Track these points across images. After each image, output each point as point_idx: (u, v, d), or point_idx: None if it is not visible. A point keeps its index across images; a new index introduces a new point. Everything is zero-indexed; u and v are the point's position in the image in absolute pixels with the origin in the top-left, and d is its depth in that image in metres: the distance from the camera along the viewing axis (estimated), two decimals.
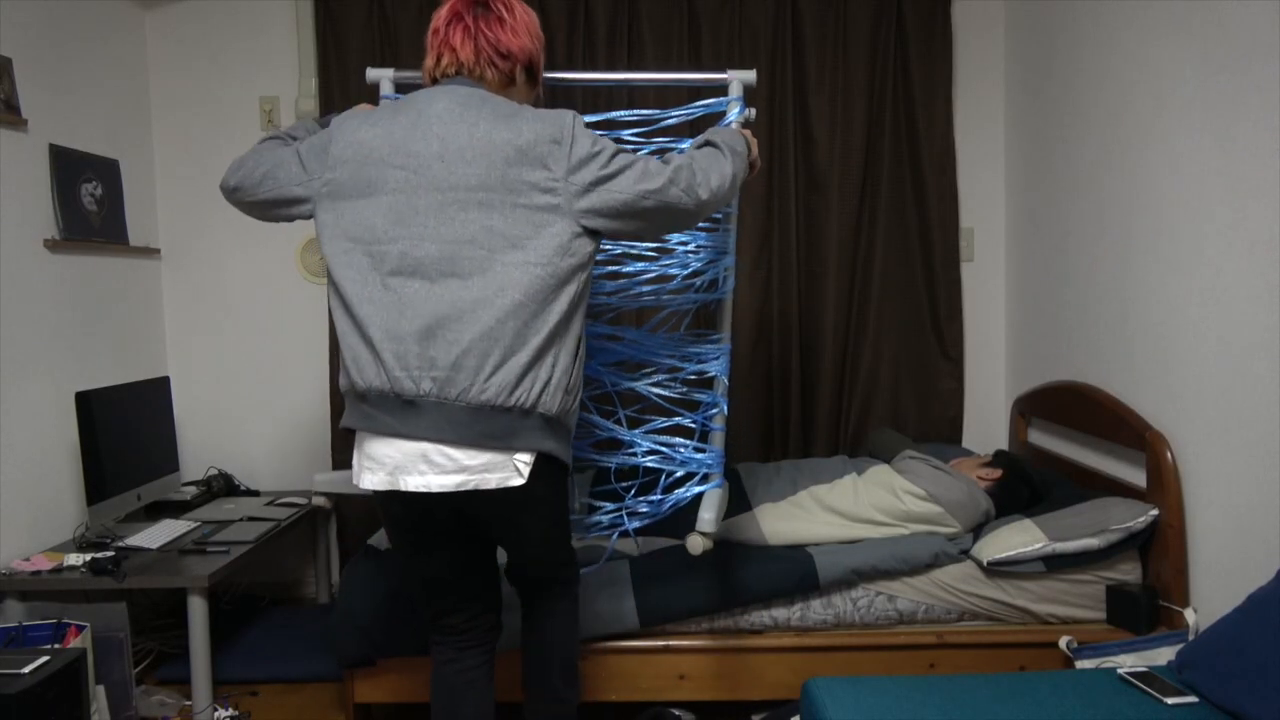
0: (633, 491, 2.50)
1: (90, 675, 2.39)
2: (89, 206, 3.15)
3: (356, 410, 1.73)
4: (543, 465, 1.74)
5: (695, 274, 2.31)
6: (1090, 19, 2.80)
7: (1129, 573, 2.45)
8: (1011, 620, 2.46)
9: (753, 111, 2.23)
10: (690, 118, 2.31)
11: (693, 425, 2.28)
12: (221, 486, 3.45)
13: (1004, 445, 3.52)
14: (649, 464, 2.22)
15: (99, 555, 2.64)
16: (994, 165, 3.53)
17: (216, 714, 2.65)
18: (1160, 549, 2.39)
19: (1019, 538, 2.42)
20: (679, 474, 2.31)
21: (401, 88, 2.23)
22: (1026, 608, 2.44)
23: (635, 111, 2.36)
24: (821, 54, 3.41)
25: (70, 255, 3.07)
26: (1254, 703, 1.65)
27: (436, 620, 1.96)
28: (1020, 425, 3.34)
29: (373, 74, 2.25)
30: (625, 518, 2.24)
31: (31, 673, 2.03)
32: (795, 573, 2.44)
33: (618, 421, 2.33)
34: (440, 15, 1.84)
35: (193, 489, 3.37)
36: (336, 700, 2.81)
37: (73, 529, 3.01)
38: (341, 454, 3.51)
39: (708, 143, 1.90)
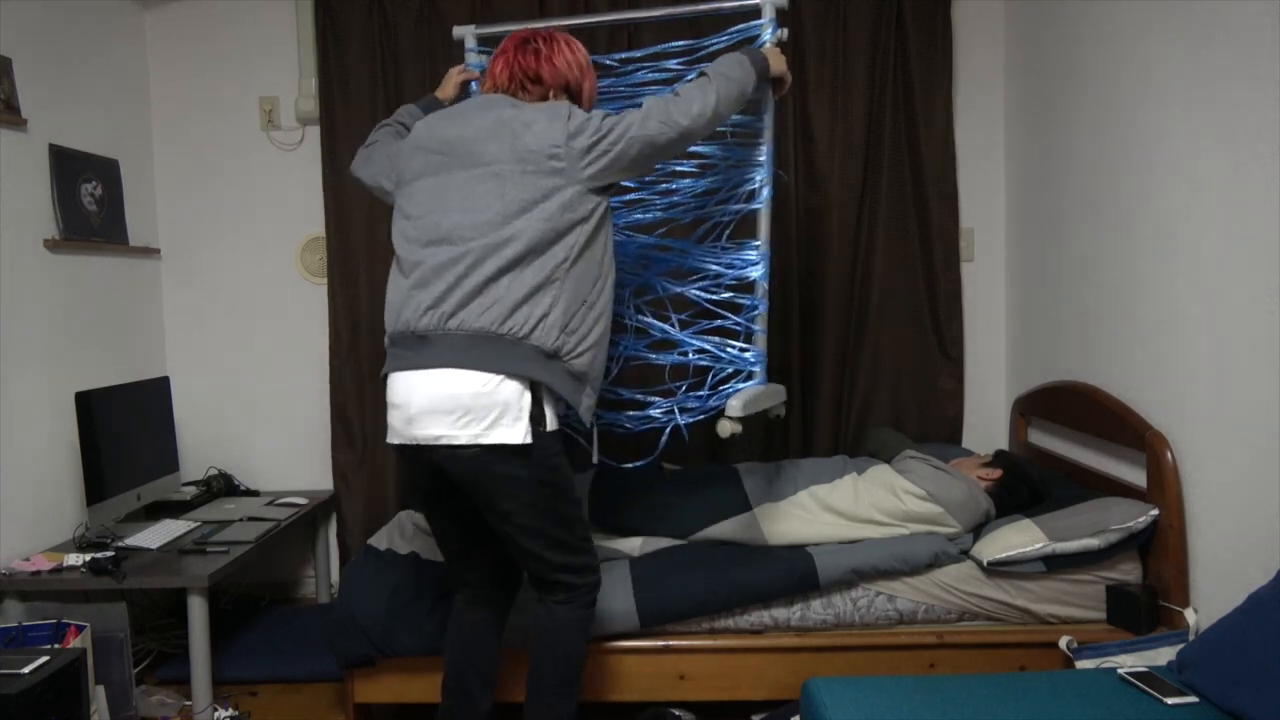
0: (684, 389, 2.63)
1: (90, 675, 2.39)
2: (89, 206, 3.15)
3: (389, 354, 2.01)
4: (529, 428, 1.89)
5: (735, 186, 2.49)
6: (1090, 19, 2.80)
7: (1129, 573, 2.45)
8: (1011, 620, 2.46)
9: (785, 32, 2.36)
10: (729, 43, 2.50)
11: (736, 327, 2.48)
12: (221, 486, 3.45)
13: (1004, 445, 3.52)
14: (698, 362, 2.49)
15: (99, 555, 2.64)
16: (994, 165, 3.53)
17: (216, 714, 2.65)
18: (1160, 549, 2.39)
19: (1019, 538, 2.42)
20: (725, 371, 2.47)
21: (486, 42, 2.61)
22: (1026, 608, 2.44)
23: (679, 42, 2.62)
24: (821, 54, 3.41)
25: (70, 255, 3.07)
26: (1254, 703, 1.65)
27: (453, 574, 2.19)
28: (1020, 425, 3.34)
29: (458, 31, 2.63)
30: (677, 413, 2.43)
31: (31, 673, 2.03)
32: (795, 573, 2.44)
33: (671, 324, 2.58)
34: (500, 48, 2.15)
35: (193, 489, 3.37)
36: (336, 700, 2.81)
37: (73, 529, 3.01)
38: (341, 454, 3.51)
39: (703, 72, 2.09)
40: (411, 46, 3.44)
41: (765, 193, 2.41)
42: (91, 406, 2.81)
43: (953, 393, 3.50)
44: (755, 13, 2.40)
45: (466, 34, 2.63)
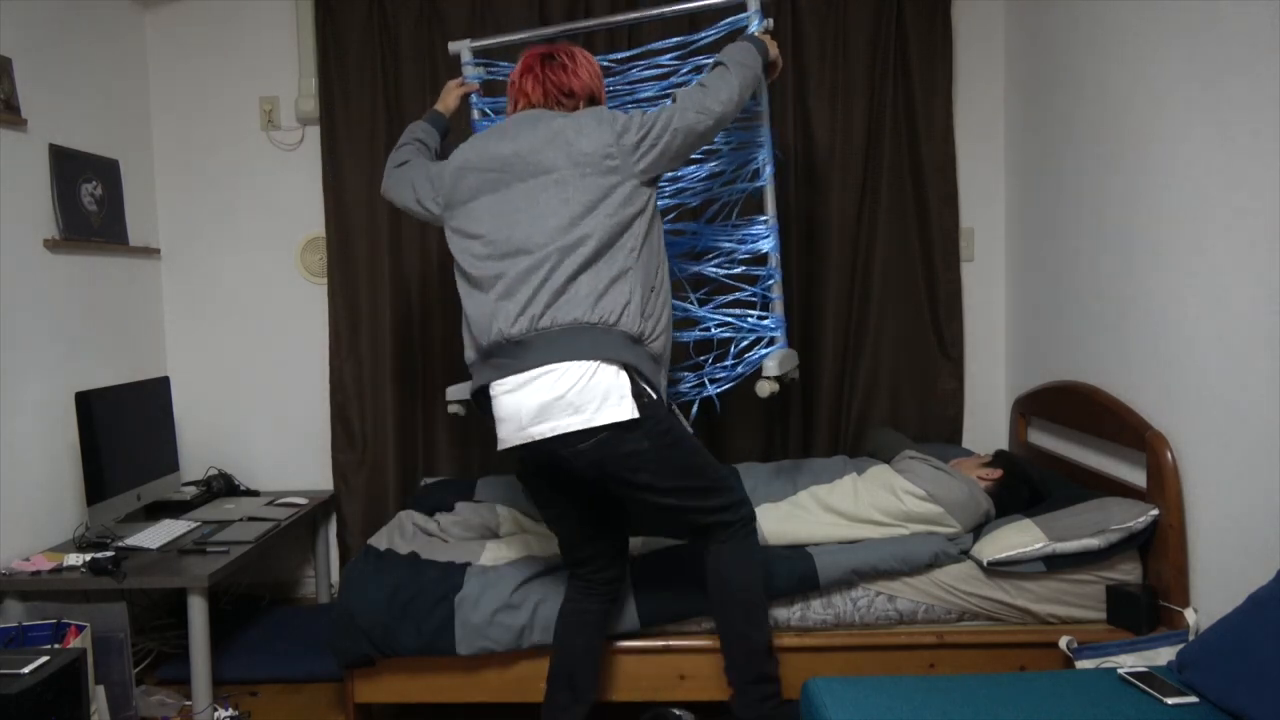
0: (710, 361, 2.75)
1: (90, 675, 2.39)
2: (89, 206, 3.15)
3: (483, 366, 2.11)
4: (635, 404, 2.01)
5: (739, 167, 2.67)
6: (1090, 19, 2.80)
7: (1129, 573, 2.45)
8: (1011, 620, 2.46)
9: (770, 21, 2.53)
10: (717, 36, 2.68)
11: (752, 299, 2.70)
12: (221, 486, 3.45)
13: (1004, 445, 3.52)
14: (720, 335, 2.68)
15: (99, 555, 2.64)
16: (994, 165, 3.53)
17: (216, 714, 2.65)
18: (1160, 549, 2.39)
19: (1019, 538, 2.42)
20: (747, 340, 2.69)
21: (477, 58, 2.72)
22: (1027, 608, 2.44)
23: (671, 39, 2.76)
24: (821, 54, 3.41)
25: (70, 255, 3.07)
26: (1254, 703, 1.65)
27: (569, 566, 2.30)
28: (1020, 425, 3.34)
29: (454, 46, 2.75)
30: (707, 384, 2.57)
31: (31, 673, 2.03)
32: (795, 573, 2.44)
33: (690, 303, 2.73)
34: (515, 70, 2.25)
35: (193, 489, 3.37)
36: (336, 700, 2.81)
37: (73, 529, 3.01)
38: (341, 454, 3.51)
39: (717, 63, 2.25)
40: (411, 46, 3.44)
41: (768, 170, 2.60)
42: (91, 406, 2.81)
43: (953, 393, 3.50)
44: (741, 6, 2.56)
45: (462, 49, 2.76)
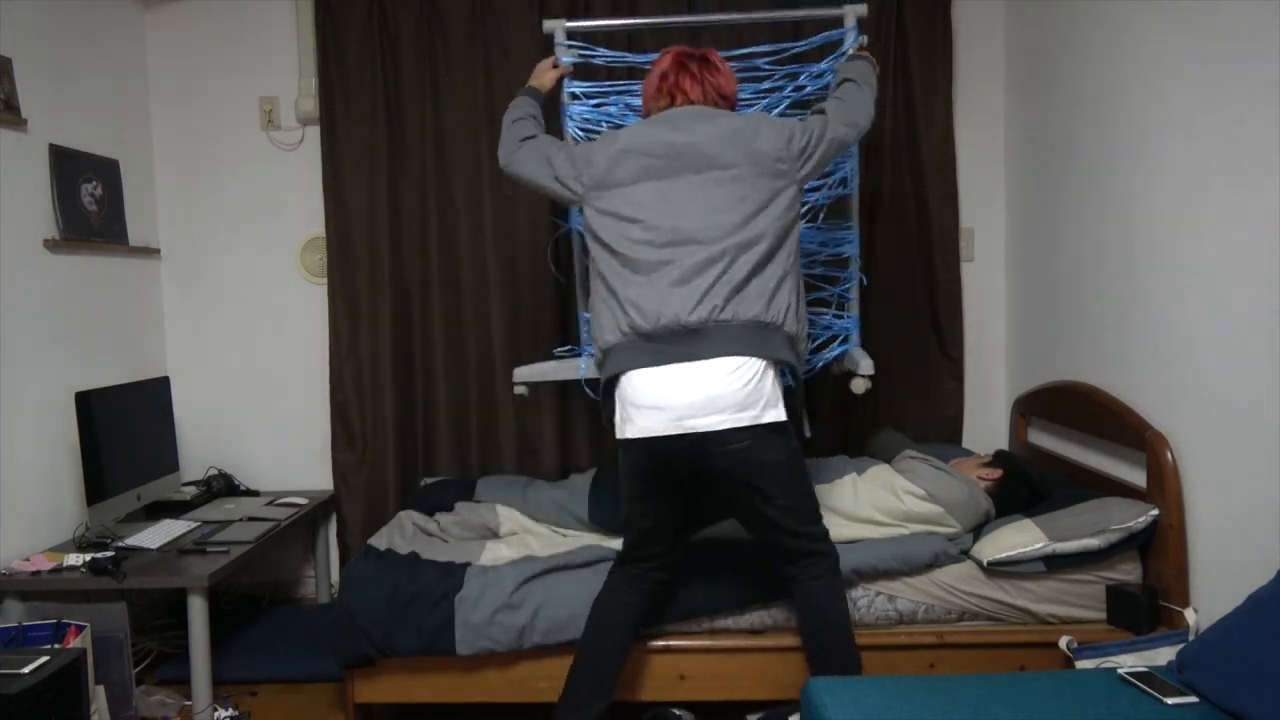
0: None
1: (90, 675, 2.39)
2: (89, 206, 3.15)
3: (640, 350, 2.08)
4: (778, 419, 2.07)
5: (828, 174, 2.78)
6: (1090, 19, 2.80)
7: (1129, 573, 2.45)
8: (1011, 620, 2.46)
9: (865, 38, 2.70)
10: (813, 45, 2.83)
11: (829, 299, 2.88)
12: (221, 486, 3.45)
13: (1004, 445, 3.52)
14: None
15: (99, 555, 2.64)
16: (994, 165, 3.53)
17: (216, 714, 2.65)
18: (1160, 549, 2.39)
19: (1019, 538, 2.42)
20: (823, 337, 2.83)
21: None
22: (1027, 608, 2.44)
23: (773, 46, 2.87)
24: (822, 54, 3.40)
25: (70, 255, 3.07)
26: (1254, 703, 1.65)
27: (628, 561, 2.30)
28: (1020, 425, 3.34)
29: (549, 25, 2.77)
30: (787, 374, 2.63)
31: (31, 673, 2.03)
32: None
33: None
34: (665, 63, 2.29)
35: (193, 489, 3.37)
36: (336, 700, 2.81)
37: (73, 529, 3.01)
38: (341, 454, 3.51)
39: (847, 79, 2.38)
40: (411, 46, 3.44)
41: (854, 180, 2.77)
42: (91, 406, 2.81)
43: (953, 393, 3.49)
44: (839, 21, 2.73)
45: (557, 28, 2.76)
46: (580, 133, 2.80)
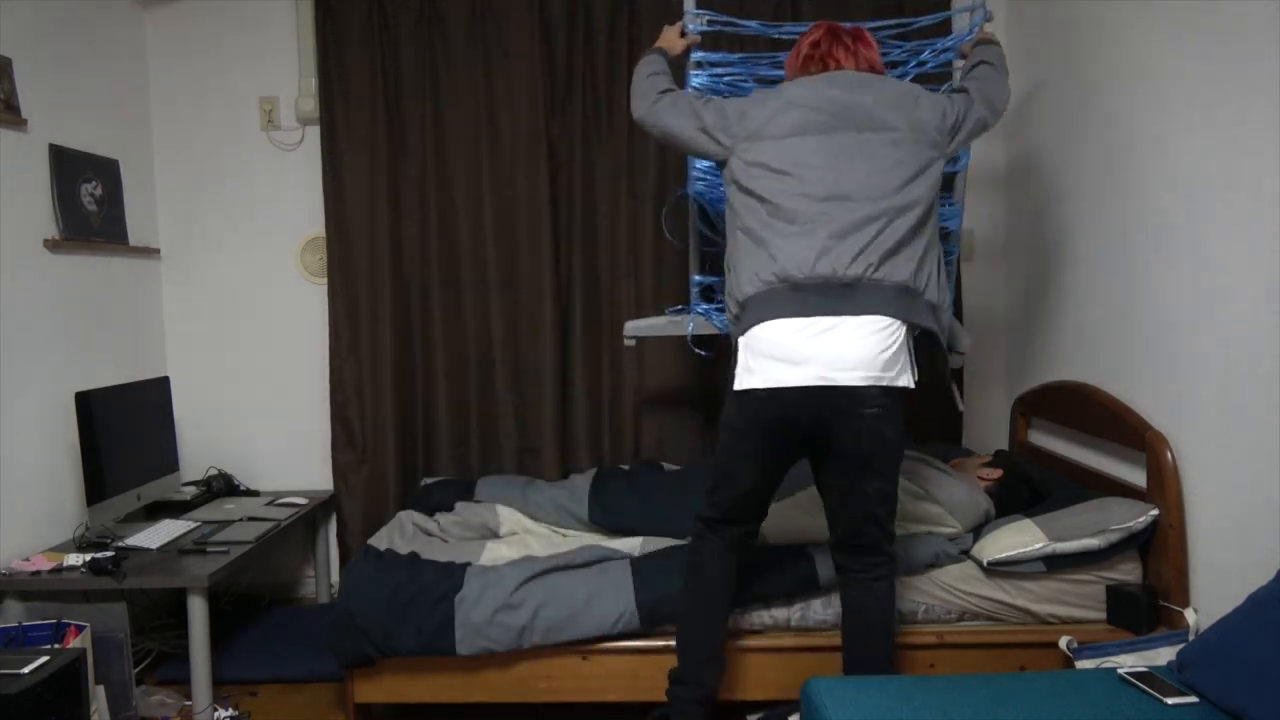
0: None
1: (90, 675, 2.39)
2: (89, 206, 3.15)
3: (787, 299, 2.06)
4: (908, 385, 2.08)
5: None
6: (1091, 19, 2.80)
7: (1129, 573, 2.45)
8: (1011, 620, 2.46)
9: (992, 13, 2.65)
10: (940, 19, 2.82)
11: None
12: (221, 486, 3.45)
13: (1004, 445, 3.52)
14: None
15: (99, 555, 2.64)
16: (994, 165, 3.53)
17: (216, 714, 2.65)
18: (1160, 549, 2.39)
19: (1019, 538, 2.42)
20: None
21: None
22: (1026, 608, 2.44)
23: (895, 20, 2.79)
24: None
25: (70, 255, 3.07)
26: (1254, 703, 1.65)
27: (721, 523, 2.26)
28: (1020, 425, 3.34)
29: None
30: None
31: (31, 673, 2.03)
32: (795, 573, 2.44)
33: None
34: (816, 33, 2.30)
35: (193, 489, 3.37)
36: (336, 700, 2.81)
37: (73, 529, 3.01)
38: (341, 454, 3.50)
39: (982, 61, 2.39)
40: (411, 46, 3.44)
41: (965, 156, 2.73)
42: (91, 406, 2.81)
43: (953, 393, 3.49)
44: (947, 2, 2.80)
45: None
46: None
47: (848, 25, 2.31)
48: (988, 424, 3.57)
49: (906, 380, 2.07)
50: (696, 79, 2.73)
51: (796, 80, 2.22)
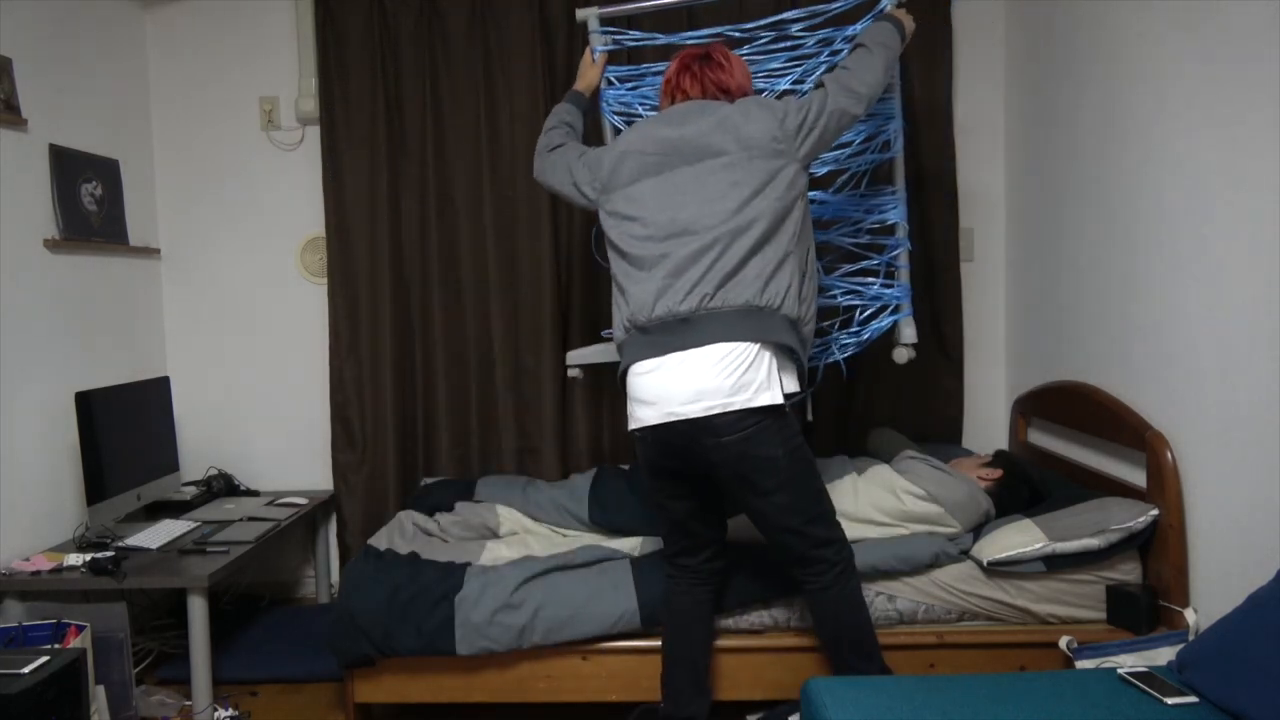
0: (836, 327, 2.76)
1: (90, 675, 2.39)
2: (89, 206, 3.15)
3: (639, 343, 2.12)
4: (773, 401, 2.05)
5: (869, 138, 2.70)
6: (1090, 19, 2.80)
7: (1129, 573, 2.45)
8: (1011, 620, 2.46)
9: None
10: (846, 7, 2.71)
11: (877, 268, 2.74)
12: (221, 486, 3.45)
13: (1004, 445, 3.52)
14: (846, 303, 2.72)
15: (99, 555, 2.64)
16: (994, 165, 3.53)
17: (216, 714, 2.65)
18: (1160, 549, 2.39)
19: (1019, 538, 2.42)
20: (873, 308, 2.72)
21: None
22: (1026, 608, 2.44)
23: (807, 10, 2.75)
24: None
25: (70, 255, 3.07)
26: (1254, 703, 1.65)
27: (676, 555, 2.32)
28: (1020, 425, 3.34)
29: (581, 14, 2.75)
30: (835, 349, 2.66)
31: (31, 673, 2.03)
32: None
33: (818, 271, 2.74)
34: (671, 68, 2.33)
35: (193, 489, 3.37)
36: (336, 700, 2.81)
37: (73, 529, 3.01)
38: (341, 454, 3.51)
39: (859, 45, 2.30)
40: (411, 46, 3.44)
41: (898, 143, 2.67)
42: (91, 406, 2.81)
43: (953, 393, 3.49)
44: None
45: (590, 16, 2.75)
46: (617, 118, 2.80)
47: (701, 50, 2.31)
48: (988, 424, 3.57)
49: (769, 398, 2.04)
50: (610, 94, 2.79)
51: (634, 124, 2.28)
